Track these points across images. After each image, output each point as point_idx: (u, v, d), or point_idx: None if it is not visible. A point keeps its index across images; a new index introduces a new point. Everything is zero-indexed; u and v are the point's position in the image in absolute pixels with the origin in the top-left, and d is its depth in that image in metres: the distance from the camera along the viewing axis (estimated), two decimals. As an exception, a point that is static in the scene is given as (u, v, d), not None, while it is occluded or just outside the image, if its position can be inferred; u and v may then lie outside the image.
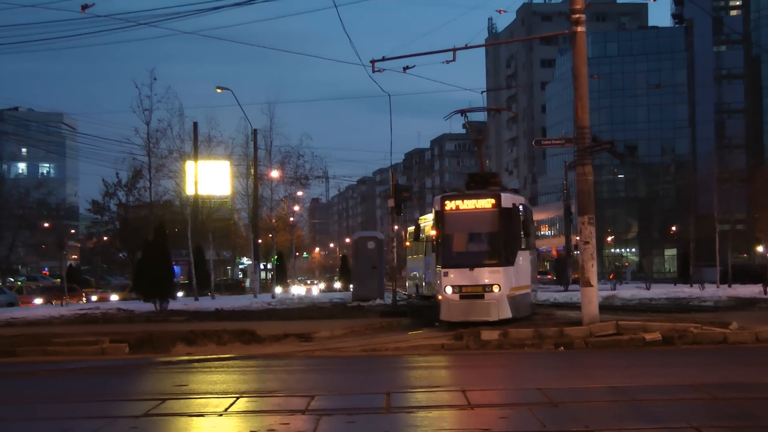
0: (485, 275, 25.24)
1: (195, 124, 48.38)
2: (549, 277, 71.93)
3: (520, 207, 26.97)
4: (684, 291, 47.78)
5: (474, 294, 25.02)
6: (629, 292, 47.30)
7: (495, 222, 25.81)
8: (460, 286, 25.20)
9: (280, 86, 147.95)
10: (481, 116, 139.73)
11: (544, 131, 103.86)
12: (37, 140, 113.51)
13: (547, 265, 72.58)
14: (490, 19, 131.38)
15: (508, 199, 26.25)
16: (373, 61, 26.02)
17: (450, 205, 26.23)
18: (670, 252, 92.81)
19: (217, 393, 14.60)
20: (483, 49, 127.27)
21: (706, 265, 64.75)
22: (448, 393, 13.91)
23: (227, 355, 21.76)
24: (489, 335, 21.75)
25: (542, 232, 78.04)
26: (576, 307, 27.03)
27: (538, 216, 40.83)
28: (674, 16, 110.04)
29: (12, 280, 69.05)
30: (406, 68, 25.89)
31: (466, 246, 26.84)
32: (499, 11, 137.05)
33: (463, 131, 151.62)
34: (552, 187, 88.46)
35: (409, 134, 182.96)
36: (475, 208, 26.08)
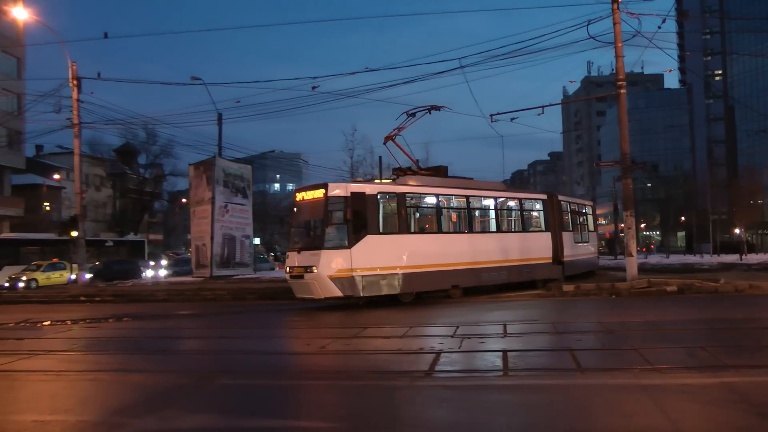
0: (306, 258, 19.17)
1: (380, 158, 49.14)
2: (605, 250, 70.46)
3: (379, 195, 19.78)
4: (690, 259, 46.83)
5: (297, 275, 19.53)
6: (655, 259, 47.03)
7: (320, 210, 19.21)
8: (291, 268, 19.80)
9: (432, 132, 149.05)
10: (558, 146, 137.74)
11: (599, 157, 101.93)
12: (285, 170, 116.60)
13: (603, 243, 70.60)
14: (564, 87, 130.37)
15: (340, 189, 19.37)
16: (491, 115, 25.86)
17: (298, 196, 20.58)
18: (681, 233, 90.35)
19: (396, 324, 14.79)
20: (560, 106, 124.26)
21: (703, 242, 65.62)
22: (543, 324, 13.84)
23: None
24: (568, 288, 21.43)
25: (600, 222, 76.27)
26: (622, 269, 26.09)
27: (597, 212, 39.51)
28: (680, 81, 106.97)
29: (273, 254, 70.88)
30: (512, 119, 25.58)
31: (300, 232, 20.82)
32: (571, 81, 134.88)
33: (548, 158, 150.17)
34: (605, 192, 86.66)
35: (513, 161, 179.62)
36: (311, 198, 19.81)
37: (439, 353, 10.29)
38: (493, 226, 23.55)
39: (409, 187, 21.03)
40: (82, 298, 26.29)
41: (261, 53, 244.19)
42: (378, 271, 19.39)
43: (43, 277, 35.10)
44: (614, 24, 22.61)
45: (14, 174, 55.66)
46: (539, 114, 24.93)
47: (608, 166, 42.87)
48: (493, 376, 8.81)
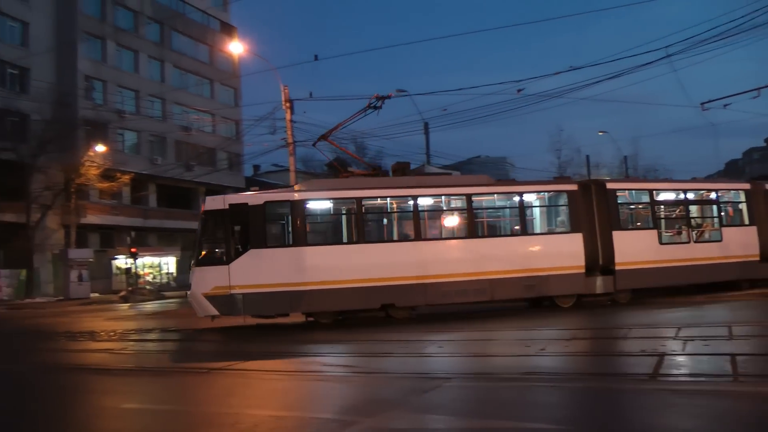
0: (191, 274, 17.69)
1: (587, 157, 49.98)
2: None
3: (267, 205, 17.43)
4: None
5: (188, 292, 17.93)
6: None
7: (200, 224, 17.61)
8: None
9: (640, 126, 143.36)
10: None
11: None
12: (492, 174, 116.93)
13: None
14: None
15: (217, 201, 17.45)
16: (702, 103, 24.56)
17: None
18: None
19: (616, 327, 14.10)
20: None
21: None
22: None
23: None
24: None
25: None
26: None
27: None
28: None
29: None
30: (725, 105, 24.17)
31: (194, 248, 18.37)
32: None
33: (764, 145, 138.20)
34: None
35: (726, 150, 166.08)
36: (200, 213, 17.89)
37: (662, 355, 9.75)
38: (462, 231, 18.94)
39: (310, 193, 18.14)
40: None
41: (464, 61, 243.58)
42: (267, 288, 17.00)
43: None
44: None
45: (234, 193, 60.57)
46: (754, 97, 23.13)
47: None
48: (722, 381, 8.17)
